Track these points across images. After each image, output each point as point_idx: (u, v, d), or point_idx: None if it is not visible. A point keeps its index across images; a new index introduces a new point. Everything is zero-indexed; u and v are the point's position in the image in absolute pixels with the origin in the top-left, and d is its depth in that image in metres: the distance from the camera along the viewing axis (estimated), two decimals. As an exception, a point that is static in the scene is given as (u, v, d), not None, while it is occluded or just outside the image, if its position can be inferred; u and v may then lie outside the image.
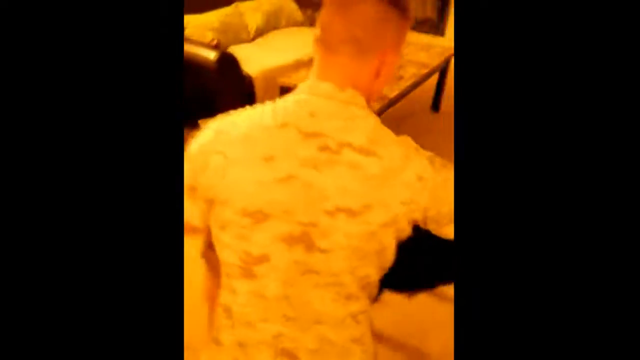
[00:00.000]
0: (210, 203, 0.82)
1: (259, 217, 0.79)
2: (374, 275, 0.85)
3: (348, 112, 0.79)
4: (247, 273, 0.83)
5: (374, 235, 0.79)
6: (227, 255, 0.84)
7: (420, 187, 0.79)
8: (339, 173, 0.76)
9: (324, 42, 0.81)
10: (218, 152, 0.80)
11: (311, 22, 3.94)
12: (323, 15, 0.81)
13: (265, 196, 0.78)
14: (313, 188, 0.77)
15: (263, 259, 0.81)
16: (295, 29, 3.83)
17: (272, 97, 2.90)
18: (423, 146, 0.87)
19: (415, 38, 3.64)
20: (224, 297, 0.90)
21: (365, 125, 0.80)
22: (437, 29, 4.67)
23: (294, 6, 3.92)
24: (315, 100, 0.79)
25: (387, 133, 0.82)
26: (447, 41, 4.42)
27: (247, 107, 0.87)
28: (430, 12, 4.75)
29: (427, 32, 4.64)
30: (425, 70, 2.98)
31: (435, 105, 3.51)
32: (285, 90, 2.76)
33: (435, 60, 3.15)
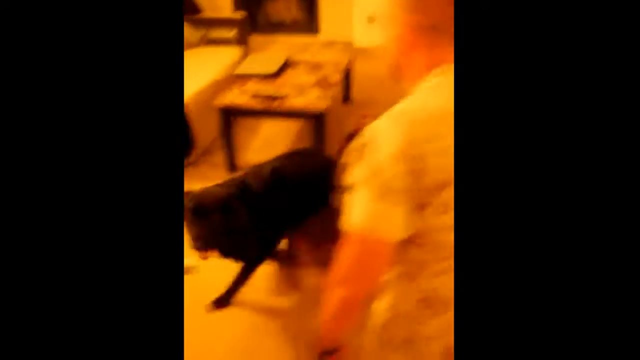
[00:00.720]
0: (434, 190, 0.82)
1: None
2: None
3: None
4: None
5: None
6: (449, 236, 0.86)
7: None
8: None
9: (447, 31, 0.85)
10: (433, 136, 0.81)
11: (207, 42, 3.96)
12: (437, 7, 0.87)
13: None
14: None
15: None
16: (195, 50, 3.83)
17: (209, 120, 3.06)
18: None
19: (296, 40, 3.86)
20: (425, 287, 0.93)
21: None
22: (310, 28, 4.96)
23: (186, 29, 3.90)
24: None
25: None
26: (325, 37, 4.73)
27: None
28: (296, 14, 5.02)
29: (301, 32, 4.90)
30: (343, 68, 3.24)
31: (346, 96, 3.79)
32: (226, 110, 2.79)
33: (346, 57, 3.43)
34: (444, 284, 0.91)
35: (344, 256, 0.89)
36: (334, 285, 0.92)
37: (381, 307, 1.02)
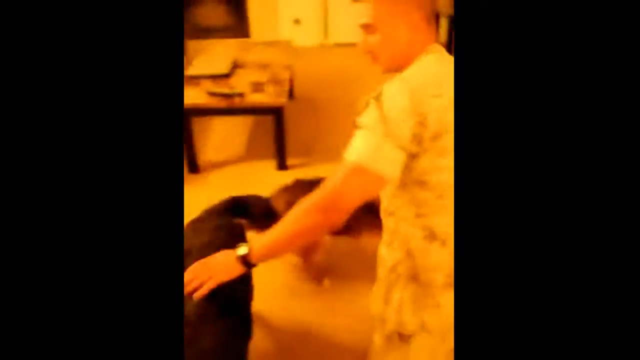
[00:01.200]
0: (433, 139, 0.99)
1: None
2: None
3: None
4: None
5: None
6: (443, 176, 1.03)
7: None
8: None
9: (432, 20, 1.10)
10: (434, 96, 0.99)
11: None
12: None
13: None
14: None
15: None
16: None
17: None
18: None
19: (235, 42, 3.96)
20: (428, 224, 1.08)
21: None
22: (240, 31, 5.06)
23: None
24: (444, 53, 1.12)
25: None
26: (258, 39, 4.85)
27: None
28: (226, 18, 5.10)
29: (232, 36, 4.98)
30: (288, 66, 3.40)
31: (290, 93, 3.94)
32: (185, 111, 2.85)
33: (288, 56, 3.58)
34: (442, 221, 1.08)
35: (337, 182, 1.01)
36: (313, 209, 1.03)
37: (391, 250, 1.17)
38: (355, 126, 1.03)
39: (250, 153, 3.24)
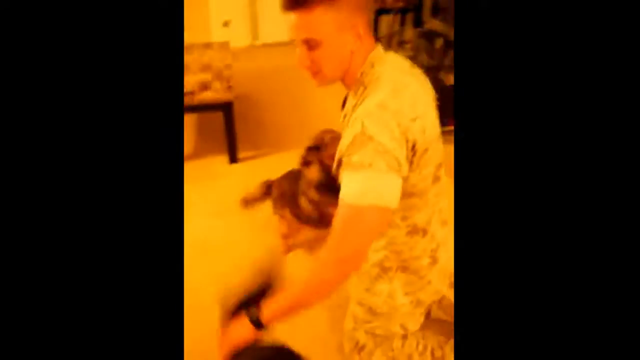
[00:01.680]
0: (420, 156, 1.05)
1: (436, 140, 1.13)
2: None
3: None
4: (436, 178, 1.14)
5: None
6: (428, 181, 1.11)
7: None
8: None
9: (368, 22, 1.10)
10: (412, 119, 1.01)
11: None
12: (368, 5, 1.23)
13: (436, 125, 1.13)
14: None
15: (441, 165, 1.16)
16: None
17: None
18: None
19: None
20: (411, 222, 1.14)
21: None
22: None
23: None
24: (393, 55, 1.16)
25: None
26: (190, 42, 4.93)
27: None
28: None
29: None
30: (229, 65, 3.55)
31: (230, 92, 4.10)
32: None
33: (227, 56, 3.73)
34: (423, 216, 1.15)
35: (351, 232, 0.99)
36: (332, 263, 1.00)
37: (377, 247, 1.19)
38: (346, 167, 0.99)
39: (199, 150, 3.37)
